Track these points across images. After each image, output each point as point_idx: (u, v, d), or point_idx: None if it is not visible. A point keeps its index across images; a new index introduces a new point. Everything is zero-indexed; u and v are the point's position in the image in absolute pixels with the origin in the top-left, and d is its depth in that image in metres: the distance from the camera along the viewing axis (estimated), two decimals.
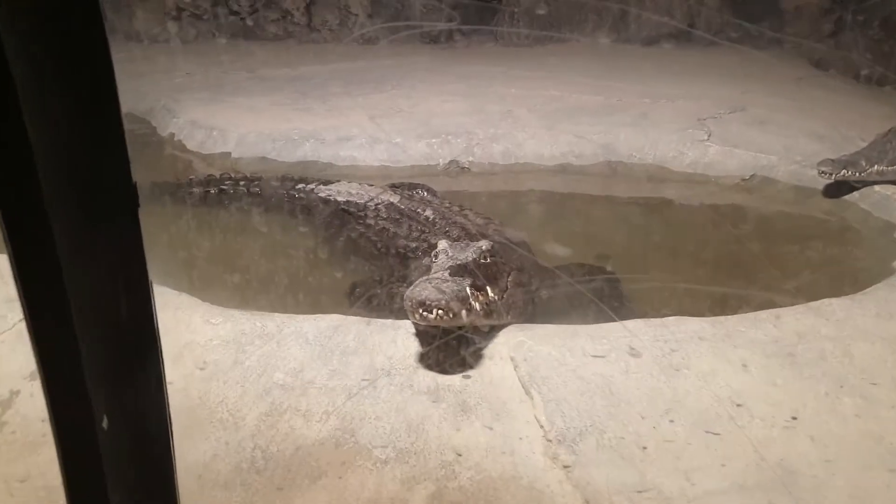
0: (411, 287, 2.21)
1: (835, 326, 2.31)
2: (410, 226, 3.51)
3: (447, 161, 4.80)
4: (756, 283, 3.20)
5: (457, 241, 2.91)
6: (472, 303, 2.19)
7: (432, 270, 2.40)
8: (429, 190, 4.16)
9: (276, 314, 2.47)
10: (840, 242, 3.82)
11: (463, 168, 4.82)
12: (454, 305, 2.09)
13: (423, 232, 3.43)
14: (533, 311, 2.69)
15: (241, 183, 4.20)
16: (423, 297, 2.09)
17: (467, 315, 2.15)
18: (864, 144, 4.09)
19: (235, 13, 8.73)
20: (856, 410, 1.94)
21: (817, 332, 2.29)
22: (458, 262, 2.40)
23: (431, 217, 3.57)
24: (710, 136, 4.71)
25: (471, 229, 3.39)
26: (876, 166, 3.84)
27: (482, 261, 2.48)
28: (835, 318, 2.36)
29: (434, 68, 6.99)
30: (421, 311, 2.07)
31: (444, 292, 2.11)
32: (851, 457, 1.79)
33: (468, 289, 2.22)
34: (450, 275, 2.30)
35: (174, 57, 7.53)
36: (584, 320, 2.58)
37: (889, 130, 3.96)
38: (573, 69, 6.80)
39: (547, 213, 4.58)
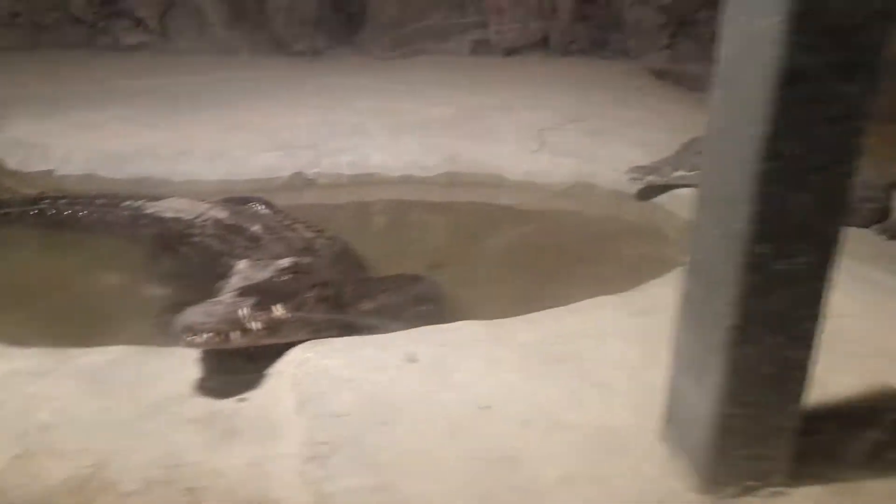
0: (182, 312, 2.17)
1: (596, 324, 2.49)
2: (236, 242, 3.45)
3: (291, 173, 4.76)
4: (561, 282, 3.40)
5: (278, 257, 2.90)
6: (250, 323, 2.18)
7: (222, 292, 2.38)
8: (265, 203, 4.09)
9: (59, 349, 2.36)
10: (641, 241, 4.12)
11: (309, 180, 4.80)
12: (223, 328, 2.08)
13: (248, 248, 3.38)
14: (337, 325, 2.71)
15: (55, 202, 3.98)
16: (190, 321, 2.07)
17: (242, 336, 2.14)
18: (673, 152, 4.43)
19: (81, 21, 8.26)
20: (595, 405, 2.08)
21: (582, 330, 2.45)
22: (250, 283, 2.40)
23: (259, 232, 3.52)
24: (544, 145, 4.96)
25: (296, 244, 3.38)
26: (678, 172, 4.19)
27: (279, 279, 2.48)
28: (598, 316, 2.54)
29: (293, 81, 6.92)
30: (188, 336, 2.04)
31: (212, 315, 2.10)
32: (582, 448, 1.92)
33: (246, 310, 2.21)
34: (238, 295, 2.29)
35: (8, 68, 7.02)
36: (389, 329, 2.62)
37: (690, 139, 4.31)
38: (432, 82, 6.94)
39: (388, 222, 4.64)
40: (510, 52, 8.28)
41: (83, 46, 8.27)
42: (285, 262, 2.62)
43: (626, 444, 1.91)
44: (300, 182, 4.75)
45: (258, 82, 6.77)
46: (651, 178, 4.16)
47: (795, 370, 1.63)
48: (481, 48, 8.36)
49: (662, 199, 4.27)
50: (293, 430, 1.98)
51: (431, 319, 2.76)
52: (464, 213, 4.66)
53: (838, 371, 2.07)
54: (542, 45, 8.36)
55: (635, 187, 4.32)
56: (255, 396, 2.15)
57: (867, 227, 4.34)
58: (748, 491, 1.67)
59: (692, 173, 4.17)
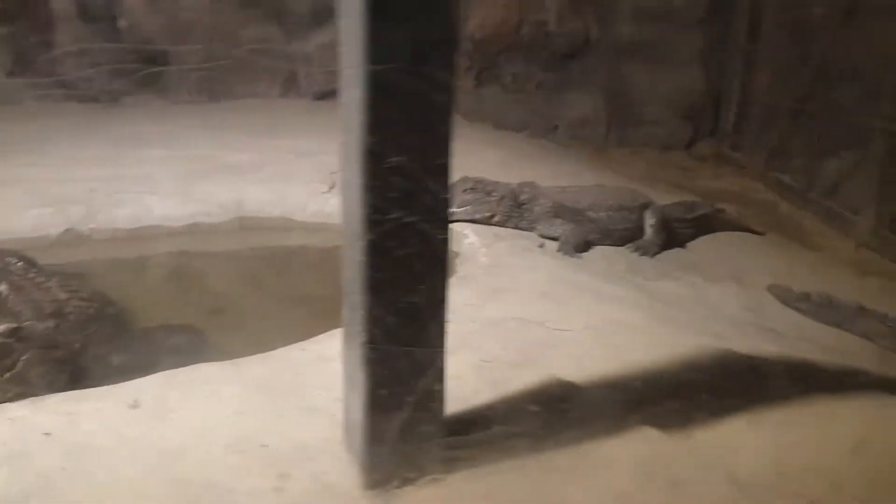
0: None
1: (324, 353, 2.64)
2: None
3: (62, 230, 4.54)
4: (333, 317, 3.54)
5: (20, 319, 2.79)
6: None
7: None
8: (23, 259, 3.87)
9: None
10: None
11: (83, 236, 4.59)
12: None
13: None
14: (62, 383, 2.64)
15: None
16: None
17: None
18: None
19: None
20: (300, 425, 2.21)
21: (308, 360, 2.60)
22: None
23: (5, 293, 3.34)
24: (332, 187, 5.10)
25: (44, 306, 3.24)
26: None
27: None
28: (328, 345, 2.68)
29: (83, 131, 6.61)
30: None
31: None
32: (275, 463, 2.02)
33: None
34: None
35: None
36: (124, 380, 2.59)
37: (459, 179, 4.66)
38: (235, 127, 6.92)
39: (168, 274, 4.55)
40: (320, 96, 8.45)
41: None
42: (2, 327, 2.54)
43: (315, 456, 2.05)
44: (72, 238, 4.54)
45: (41, 133, 6.39)
46: None
47: (431, 377, 1.85)
48: (291, 92, 8.46)
49: None
50: None
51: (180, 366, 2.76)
52: (250, 258, 4.68)
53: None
54: None
55: None
56: None
57: (622, 245, 4.94)
58: (408, 482, 1.86)
59: (461, 209, 4.52)
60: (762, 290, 4.36)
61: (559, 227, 4.67)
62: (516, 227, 4.69)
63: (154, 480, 1.94)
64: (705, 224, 5.59)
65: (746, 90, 8.58)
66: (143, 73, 8.09)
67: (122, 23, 8.08)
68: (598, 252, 4.64)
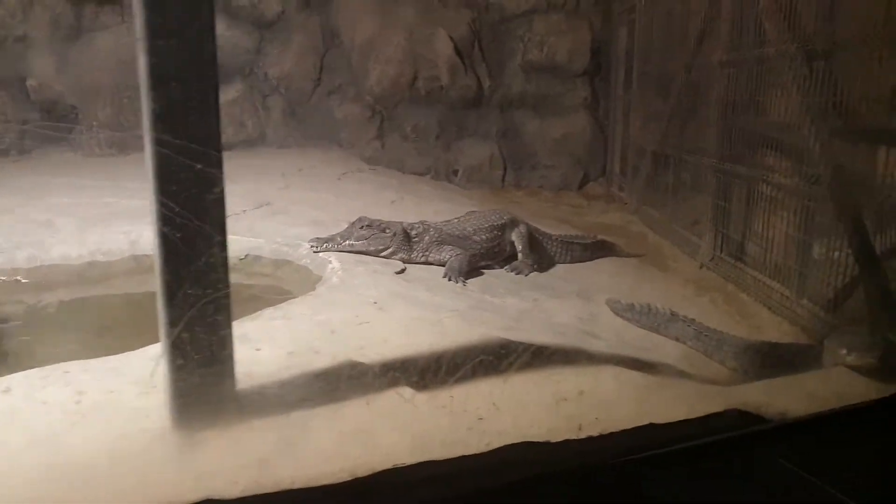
0: None
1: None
2: None
3: None
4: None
5: None
6: None
7: None
8: None
9: None
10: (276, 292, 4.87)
11: None
12: None
13: None
14: None
15: None
16: None
17: None
18: (345, 226, 5.36)
19: None
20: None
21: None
22: None
23: None
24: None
25: None
26: (346, 241, 5.17)
27: None
28: None
29: None
30: None
31: None
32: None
33: None
34: None
35: None
36: None
37: (357, 218, 5.36)
38: (140, 176, 7.27)
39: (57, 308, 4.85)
40: (229, 146, 8.94)
41: None
42: None
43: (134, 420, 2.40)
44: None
45: None
46: (327, 246, 5.17)
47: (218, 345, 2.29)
48: None
49: (306, 261, 5.09)
50: None
51: None
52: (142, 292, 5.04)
53: None
54: (260, 140, 9.17)
55: (295, 253, 5.20)
56: None
57: (504, 265, 5.68)
58: (206, 427, 2.23)
59: (358, 242, 5.22)
60: (602, 305, 5.03)
61: (448, 253, 5.31)
62: (409, 260, 5.29)
63: None
64: (590, 250, 6.45)
65: (625, 135, 9.54)
66: (53, 127, 8.41)
67: (31, 83, 8.44)
68: (475, 274, 5.28)
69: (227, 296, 2.29)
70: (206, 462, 2.05)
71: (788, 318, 4.56)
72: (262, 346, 2.85)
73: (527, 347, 2.93)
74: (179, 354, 2.23)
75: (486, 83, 9.77)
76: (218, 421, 2.23)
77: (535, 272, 5.76)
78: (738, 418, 2.19)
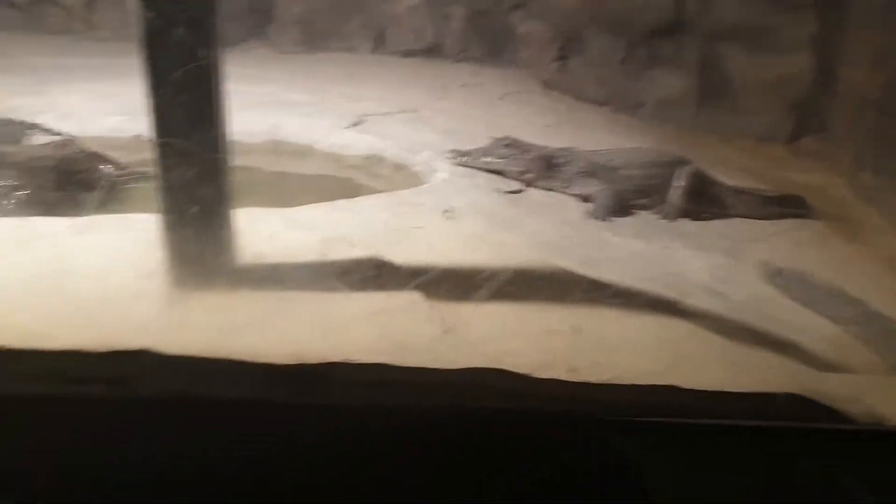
0: None
1: None
2: None
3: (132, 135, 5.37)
4: None
5: None
6: None
7: None
8: None
9: None
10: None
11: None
12: None
13: None
14: None
15: None
16: None
17: None
18: (487, 142, 5.10)
19: (16, 6, 8.97)
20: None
21: None
22: None
23: None
24: (354, 126, 5.59)
25: None
26: (485, 158, 4.95)
27: None
28: None
29: None
30: None
31: None
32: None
33: None
34: None
35: None
36: None
37: (503, 136, 5.08)
38: (314, 75, 7.58)
39: None
40: (407, 54, 8.92)
41: (18, 29, 8.97)
42: None
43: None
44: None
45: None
46: (464, 160, 4.96)
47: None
48: (380, 48, 9.00)
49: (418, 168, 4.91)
50: None
51: None
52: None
53: None
54: (436, 50, 9.00)
55: (413, 160, 5.05)
56: None
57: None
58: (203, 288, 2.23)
59: (499, 160, 4.94)
60: (753, 267, 4.23)
61: (594, 187, 4.81)
62: (550, 189, 4.89)
63: None
64: (771, 205, 5.46)
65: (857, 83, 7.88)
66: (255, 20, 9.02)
67: None
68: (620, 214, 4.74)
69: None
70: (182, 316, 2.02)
71: None
72: (302, 231, 2.75)
73: (593, 284, 2.47)
74: (182, 225, 2.22)
75: (691, 7, 8.58)
76: (211, 288, 2.18)
77: (688, 220, 4.99)
78: (797, 406, 1.60)
